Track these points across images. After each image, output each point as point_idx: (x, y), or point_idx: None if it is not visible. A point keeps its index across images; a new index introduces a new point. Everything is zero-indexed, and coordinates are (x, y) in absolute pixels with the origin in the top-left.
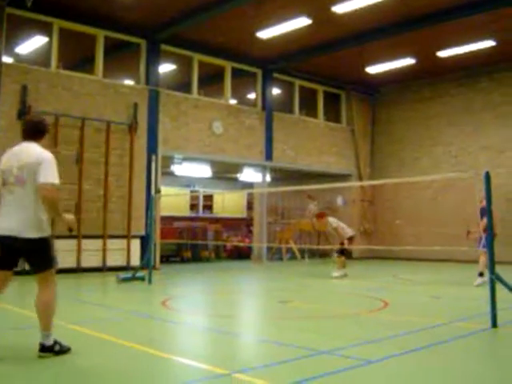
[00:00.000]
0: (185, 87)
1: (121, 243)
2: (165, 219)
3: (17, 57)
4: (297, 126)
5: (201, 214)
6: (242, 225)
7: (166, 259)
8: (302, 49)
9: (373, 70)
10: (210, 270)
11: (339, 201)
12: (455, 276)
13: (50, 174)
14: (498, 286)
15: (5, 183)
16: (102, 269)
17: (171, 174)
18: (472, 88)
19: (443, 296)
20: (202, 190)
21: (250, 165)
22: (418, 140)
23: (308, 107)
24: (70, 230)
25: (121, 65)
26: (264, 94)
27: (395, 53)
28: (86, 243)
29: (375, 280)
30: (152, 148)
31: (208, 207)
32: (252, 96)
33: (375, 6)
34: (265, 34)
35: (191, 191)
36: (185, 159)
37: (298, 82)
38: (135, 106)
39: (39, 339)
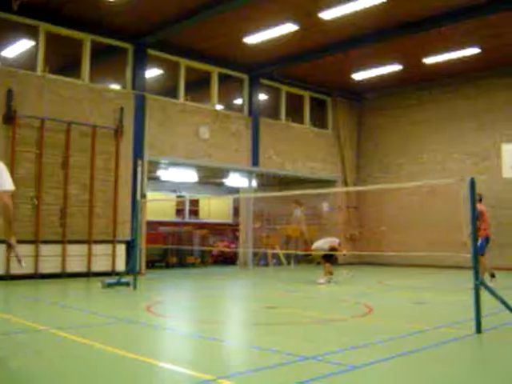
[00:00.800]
0: (171, 92)
1: (106, 248)
2: (151, 224)
3: (2, 60)
4: (283, 132)
5: (187, 219)
6: (228, 230)
7: (152, 264)
8: (288, 55)
9: (359, 76)
10: (195, 276)
11: (325, 207)
12: (440, 282)
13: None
14: (483, 292)
15: None
16: (87, 274)
17: (157, 178)
18: (457, 95)
19: (428, 302)
20: (188, 195)
21: (237, 170)
22: (404, 146)
23: (294, 113)
24: (9, 244)
25: (107, 69)
26: (251, 99)
27: (381, 59)
28: (71, 248)
29: (360, 286)
30: (138, 153)
31: (194, 212)
32: (239, 101)
33: (362, 12)
34: (252, 39)
35: (177, 196)
36: (171, 164)
37: (284, 88)
38: (121, 110)
39: None
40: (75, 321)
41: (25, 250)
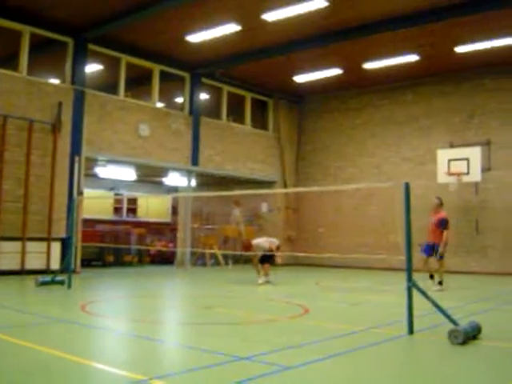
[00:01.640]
0: (112, 88)
1: (41, 246)
2: (87, 222)
3: None
4: (224, 132)
5: (124, 217)
6: (167, 229)
7: (88, 263)
8: (230, 55)
9: (300, 78)
10: (132, 275)
11: (264, 207)
12: (375, 283)
13: None
14: (415, 293)
15: None
16: (21, 272)
17: (95, 176)
18: (396, 100)
19: (362, 303)
20: (126, 194)
21: (176, 169)
22: (343, 149)
23: (235, 113)
24: None
25: (46, 63)
26: (192, 98)
27: (322, 63)
28: (4, 245)
29: (297, 287)
30: (76, 149)
31: (132, 211)
32: (180, 100)
33: (304, 16)
34: (194, 38)
35: (115, 194)
36: (109, 161)
37: (226, 88)
38: (60, 105)
39: None
40: (7, 320)
41: None
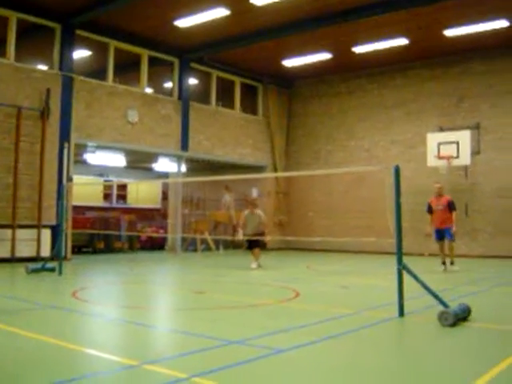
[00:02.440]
0: (100, 74)
1: (31, 233)
2: (77, 209)
3: None
4: (213, 117)
5: (114, 204)
6: (157, 215)
7: (78, 250)
8: (220, 39)
9: (289, 63)
10: (123, 261)
11: (254, 192)
12: (365, 266)
13: None
14: (406, 276)
15: None
16: (11, 260)
17: (84, 162)
18: (385, 84)
19: (353, 286)
20: (115, 180)
21: (166, 155)
22: (333, 134)
23: (225, 98)
24: None
25: (34, 49)
26: (181, 83)
27: (312, 47)
28: None
29: (288, 271)
30: (65, 135)
31: (122, 197)
32: (169, 85)
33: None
34: (182, 22)
35: (105, 180)
36: (98, 148)
37: (215, 73)
38: (48, 91)
39: None
40: None
41: None
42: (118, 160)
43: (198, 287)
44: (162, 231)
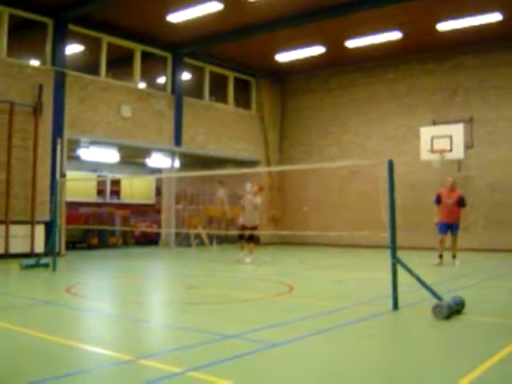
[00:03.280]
0: (93, 69)
1: (24, 229)
2: (71, 205)
3: None
4: (207, 112)
5: (108, 199)
6: (151, 210)
7: (73, 245)
8: (212, 34)
9: (282, 57)
10: (117, 256)
11: (248, 187)
12: (359, 261)
13: None
14: (400, 270)
15: None
16: (5, 256)
17: (77, 158)
18: (379, 79)
19: (347, 280)
20: (109, 175)
21: (159, 150)
22: (326, 128)
23: (218, 93)
24: None
25: (26, 44)
26: (174, 78)
27: (305, 41)
28: None
29: (282, 265)
30: (58, 131)
31: (116, 193)
32: (162, 80)
33: None
34: (175, 17)
35: (98, 176)
36: (92, 143)
37: (208, 68)
38: (40, 87)
39: None
40: None
41: None
42: (111, 155)
43: (192, 282)
44: (155, 226)
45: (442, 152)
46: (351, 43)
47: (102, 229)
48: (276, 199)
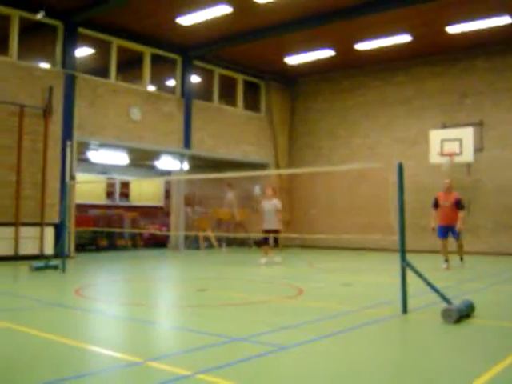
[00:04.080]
0: (103, 72)
1: (34, 231)
2: (80, 207)
3: None
4: (216, 115)
5: (117, 201)
6: (160, 213)
7: (82, 248)
8: (222, 37)
9: (292, 60)
10: (126, 259)
11: (257, 190)
12: (368, 264)
13: None
14: (409, 273)
15: None
16: (15, 257)
17: (87, 160)
18: (388, 82)
19: (356, 283)
20: (118, 178)
21: (168, 152)
22: (335, 131)
23: (227, 96)
24: None
25: (36, 47)
26: (183, 81)
27: (314, 44)
28: None
29: (291, 268)
30: (67, 133)
31: (125, 195)
32: (171, 83)
33: None
34: (185, 20)
35: (107, 178)
36: (101, 145)
37: (217, 70)
38: (50, 89)
39: None
40: (2, 305)
41: None
42: (120, 158)
43: (201, 284)
44: (164, 229)
45: (451, 155)
46: (361, 46)
47: (111, 231)
48: (285, 202)
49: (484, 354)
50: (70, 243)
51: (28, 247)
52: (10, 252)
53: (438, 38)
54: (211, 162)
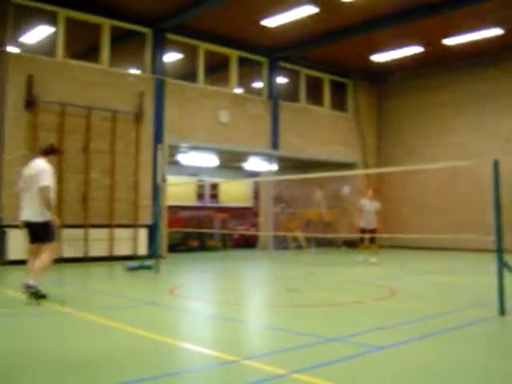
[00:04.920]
0: (191, 76)
1: (128, 232)
2: (171, 208)
3: (23, 47)
4: (303, 115)
5: (207, 203)
6: (249, 214)
7: (173, 248)
8: (308, 37)
9: (379, 58)
10: (216, 259)
11: (346, 190)
12: (463, 264)
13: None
14: (507, 275)
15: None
16: (109, 258)
17: (177, 163)
18: (480, 76)
19: (450, 284)
20: (208, 180)
21: (256, 154)
22: (425, 129)
23: (314, 96)
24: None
25: (127, 54)
26: (270, 82)
27: (402, 41)
28: (93, 232)
29: (382, 268)
30: (158, 137)
31: (214, 196)
32: (258, 85)
33: None
34: (271, 22)
35: (197, 180)
36: (191, 148)
37: (304, 71)
38: (141, 94)
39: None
40: (100, 303)
41: None
42: (210, 160)
43: (291, 284)
44: (253, 229)
45: None
46: (450, 41)
47: (202, 232)
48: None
49: None
50: (162, 244)
51: (122, 248)
52: (105, 253)
53: None
54: (298, 162)
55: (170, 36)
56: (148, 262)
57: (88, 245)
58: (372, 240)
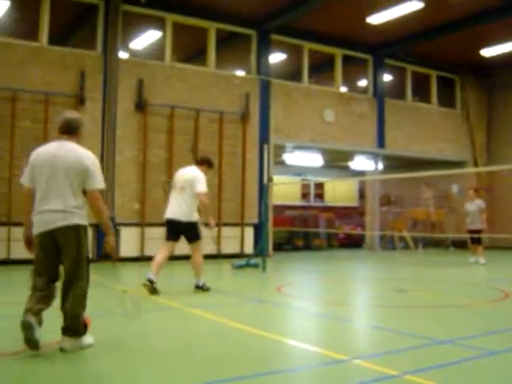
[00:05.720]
0: (295, 76)
1: (234, 231)
2: (277, 208)
3: (132, 52)
4: (409, 113)
5: (312, 202)
6: (354, 213)
7: (278, 247)
8: (413, 33)
9: (488, 52)
10: (322, 258)
11: (454, 189)
12: None
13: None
14: None
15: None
16: (217, 256)
17: (282, 162)
18: None
19: None
20: (313, 179)
21: (362, 152)
22: None
23: (420, 93)
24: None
25: (232, 56)
26: (375, 80)
27: None
28: (202, 231)
29: (495, 270)
30: (264, 137)
31: (319, 196)
32: (363, 83)
33: None
34: (375, 19)
35: (302, 180)
36: (296, 148)
37: (409, 68)
38: (247, 96)
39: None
40: (209, 300)
41: (156, 232)
42: (315, 159)
43: (398, 285)
44: (359, 229)
45: None
46: None
47: (307, 231)
48: (485, 201)
49: None
50: (269, 243)
51: (229, 246)
52: (213, 251)
53: None
54: (405, 161)
55: (275, 37)
56: (255, 261)
57: None
58: (478, 241)
